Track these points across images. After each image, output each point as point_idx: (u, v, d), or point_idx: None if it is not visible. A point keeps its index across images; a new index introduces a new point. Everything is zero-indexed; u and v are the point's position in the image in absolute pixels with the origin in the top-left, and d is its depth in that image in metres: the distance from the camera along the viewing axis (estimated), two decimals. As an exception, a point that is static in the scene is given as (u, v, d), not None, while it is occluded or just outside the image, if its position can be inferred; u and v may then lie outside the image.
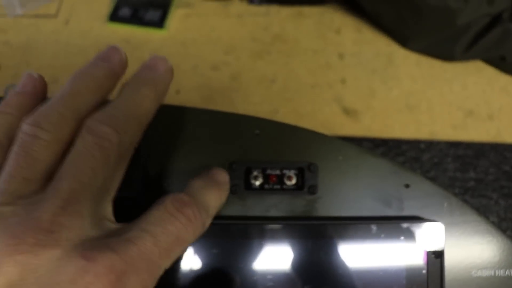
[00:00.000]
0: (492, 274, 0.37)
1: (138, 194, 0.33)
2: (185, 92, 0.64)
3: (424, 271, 0.35)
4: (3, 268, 0.20)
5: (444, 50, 0.66)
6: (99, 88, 0.29)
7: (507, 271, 0.37)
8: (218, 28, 0.70)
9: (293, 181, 0.36)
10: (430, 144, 0.58)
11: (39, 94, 0.30)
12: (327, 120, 0.63)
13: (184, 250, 0.26)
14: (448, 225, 0.37)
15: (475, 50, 0.63)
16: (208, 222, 0.29)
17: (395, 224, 0.35)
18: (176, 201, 0.26)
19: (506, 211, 0.54)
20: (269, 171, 0.36)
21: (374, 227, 0.34)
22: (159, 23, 0.71)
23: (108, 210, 0.25)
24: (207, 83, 0.65)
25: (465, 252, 0.37)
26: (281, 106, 0.64)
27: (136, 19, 0.71)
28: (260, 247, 0.34)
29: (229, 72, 0.66)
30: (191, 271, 0.34)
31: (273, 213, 0.36)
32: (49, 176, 0.23)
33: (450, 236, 0.37)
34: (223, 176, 0.32)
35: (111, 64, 0.30)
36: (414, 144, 0.58)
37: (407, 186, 0.37)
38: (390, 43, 0.68)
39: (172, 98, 0.65)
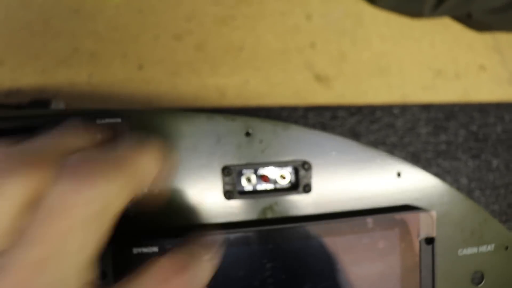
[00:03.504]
0: (476, 251, 0.39)
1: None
2: (148, 67, 0.60)
3: (416, 258, 0.36)
4: None
5: (413, 7, 0.64)
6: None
7: (488, 246, 0.39)
8: (176, -9, 0.64)
9: (287, 181, 0.35)
10: (403, 109, 0.59)
11: None
12: (300, 88, 0.61)
13: None
14: (437, 209, 0.38)
15: (443, 7, 0.62)
16: None
17: (389, 216, 0.35)
18: None
19: (475, 172, 0.57)
20: (262, 172, 0.35)
21: (370, 222, 0.35)
22: (110, -13, 0.64)
23: (88, 274, 0.21)
24: (171, 55, 0.61)
25: (452, 233, 0.38)
26: (251, 76, 0.61)
27: (82, -17, 0.63)
28: (260, 253, 0.33)
29: (193, 42, 0.62)
30: None
31: (269, 215, 0.35)
32: (20, 231, 0.19)
33: (439, 220, 0.38)
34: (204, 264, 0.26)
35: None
36: (387, 109, 0.58)
37: (398, 174, 0.37)
38: (358, 1, 0.66)
39: (135, 75, 0.60)
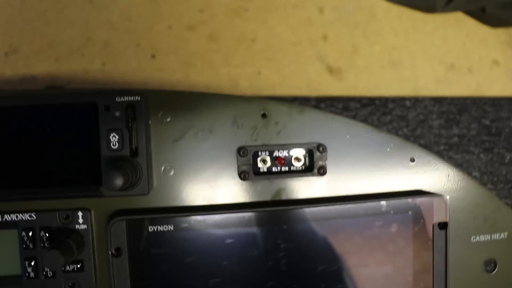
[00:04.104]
0: (489, 238, 0.39)
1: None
2: (161, 56, 0.60)
3: (429, 243, 0.36)
4: None
5: (426, 1, 0.64)
6: None
7: (501, 234, 0.39)
8: (189, -18, 0.65)
9: (302, 163, 0.36)
10: (415, 101, 0.59)
11: None
12: (312, 80, 0.61)
13: None
14: (450, 196, 0.38)
15: (456, 2, 0.62)
16: None
17: (403, 200, 0.35)
18: None
19: (487, 165, 0.56)
20: (277, 154, 0.35)
21: (383, 205, 0.35)
22: (124, -22, 0.64)
23: None
24: (184, 45, 0.61)
25: (465, 220, 0.38)
26: (263, 67, 0.61)
27: (97, -27, 0.64)
28: (274, 233, 0.34)
29: (206, 32, 0.62)
30: (211, 262, 0.33)
31: (284, 196, 0.35)
32: None
33: (452, 206, 0.38)
34: None
35: None
36: (399, 102, 0.58)
37: (412, 160, 0.37)
38: (371, -5, 0.66)
39: (148, 64, 0.61)
